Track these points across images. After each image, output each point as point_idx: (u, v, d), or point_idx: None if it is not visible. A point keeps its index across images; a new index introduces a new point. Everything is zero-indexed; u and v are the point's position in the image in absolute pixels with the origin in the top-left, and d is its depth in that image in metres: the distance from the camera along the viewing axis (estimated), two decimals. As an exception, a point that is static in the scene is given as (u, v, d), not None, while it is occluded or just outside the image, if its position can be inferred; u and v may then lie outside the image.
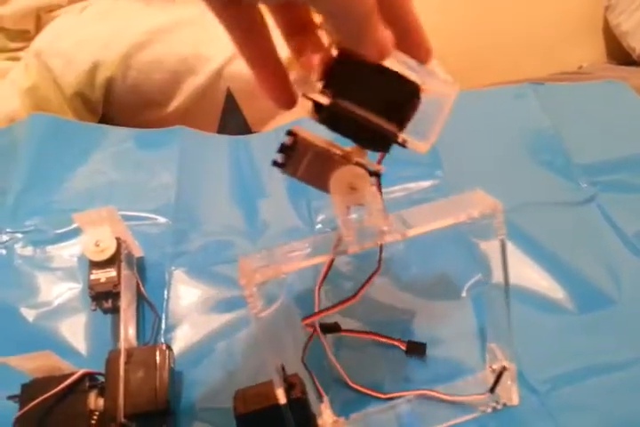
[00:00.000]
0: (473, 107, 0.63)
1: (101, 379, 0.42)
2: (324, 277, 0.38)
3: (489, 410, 0.41)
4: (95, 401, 0.41)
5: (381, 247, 0.36)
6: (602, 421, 0.39)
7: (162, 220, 0.56)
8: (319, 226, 0.55)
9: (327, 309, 0.38)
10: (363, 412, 0.41)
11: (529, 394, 0.41)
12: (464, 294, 0.48)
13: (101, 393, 0.41)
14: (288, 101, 0.32)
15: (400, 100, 0.29)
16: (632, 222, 0.52)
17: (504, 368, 0.39)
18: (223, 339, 0.48)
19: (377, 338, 0.45)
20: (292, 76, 0.30)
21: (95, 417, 0.40)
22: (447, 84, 0.29)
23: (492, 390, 0.40)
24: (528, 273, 0.49)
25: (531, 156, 0.59)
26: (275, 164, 0.32)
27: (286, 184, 0.59)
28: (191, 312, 0.50)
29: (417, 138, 0.30)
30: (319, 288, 0.40)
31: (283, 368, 0.36)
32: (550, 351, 0.42)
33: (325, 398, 0.41)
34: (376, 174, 0.31)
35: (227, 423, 0.41)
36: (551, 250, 0.51)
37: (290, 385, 0.36)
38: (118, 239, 0.47)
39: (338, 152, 0.32)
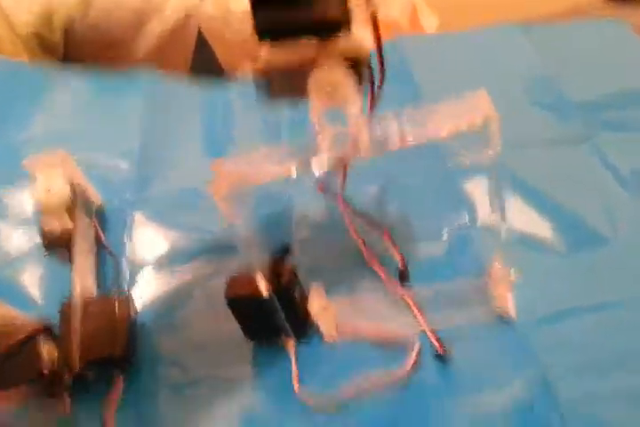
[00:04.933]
0: (461, 48, 0.61)
1: (56, 328, 0.41)
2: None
3: (480, 320, 0.40)
4: (49, 351, 0.39)
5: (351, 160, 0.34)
6: (586, 358, 0.38)
7: (124, 166, 0.54)
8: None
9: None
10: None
11: (513, 333, 0.40)
12: (444, 238, 0.46)
13: (56, 342, 0.40)
14: None
15: None
16: (628, 161, 0.50)
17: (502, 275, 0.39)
18: (186, 289, 0.46)
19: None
20: None
21: (49, 367, 0.38)
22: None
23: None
24: (519, 214, 0.47)
25: (523, 95, 0.57)
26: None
27: (259, 132, 0.57)
28: (154, 261, 0.48)
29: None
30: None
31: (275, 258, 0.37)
32: (539, 292, 0.41)
33: (317, 284, 0.41)
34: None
35: (189, 378, 0.41)
36: (544, 190, 0.48)
37: (279, 274, 0.37)
38: (72, 185, 0.44)
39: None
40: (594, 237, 0.46)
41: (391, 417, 0.37)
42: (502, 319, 0.41)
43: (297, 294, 0.40)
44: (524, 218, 0.47)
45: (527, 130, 0.53)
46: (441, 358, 0.39)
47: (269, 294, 0.37)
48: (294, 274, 0.39)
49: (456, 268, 0.44)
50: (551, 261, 0.44)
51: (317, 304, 0.41)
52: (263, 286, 0.36)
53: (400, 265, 0.44)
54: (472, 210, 0.48)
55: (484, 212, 0.47)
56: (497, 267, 0.40)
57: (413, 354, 0.38)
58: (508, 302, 0.40)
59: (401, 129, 0.30)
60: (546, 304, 0.41)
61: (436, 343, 0.39)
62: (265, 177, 0.30)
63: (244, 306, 0.39)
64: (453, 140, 0.31)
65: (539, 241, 0.46)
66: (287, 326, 0.40)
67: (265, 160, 0.30)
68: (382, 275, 0.44)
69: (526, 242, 0.46)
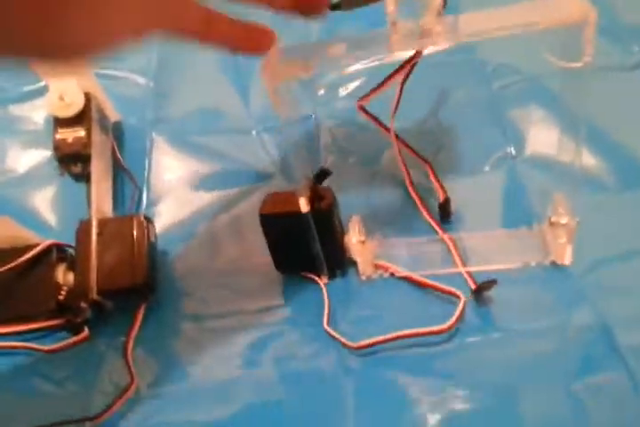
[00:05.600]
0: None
1: (72, 252, 0.37)
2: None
3: (533, 263, 0.37)
4: (64, 275, 0.36)
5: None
6: None
7: (141, 80, 0.49)
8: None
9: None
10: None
11: (563, 277, 0.37)
12: (487, 168, 0.42)
13: (71, 267, 0.36)
14: None
15: None
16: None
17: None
18: (207, 218, 0.42)
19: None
20: None
21: (64, 293, 0.35)
22: None
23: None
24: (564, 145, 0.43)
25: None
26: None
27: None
28: (175, 186, 0.44)
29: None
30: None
31: (314, 179, 0.34)
32: (589, 232, 0.37)
33: (356, 218, 0.38)
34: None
35: (212, 310, 0.38)
36: (592, 120, 0.44)
37: (319, 197, 0.34)
38: (87, 94, 0.40)
39: None
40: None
41: (430, 359, 0.35)
42: (556, 264, 0.37)
43: (336, 221, 0.36)
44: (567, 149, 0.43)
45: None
46: (477, 294, 0.36)
47: (308, 213, 0.33)
48: (334, 198, 0.35)
49: (502, 206, 0.40)
50: (601, 198, 0.40)
51: (356, 238, 0.37)
52: (303, 203, 0.33)
53: (441, 199, 0.40)
54: (519, 140, 0.43)
55: (533, 143, 0.43)
56: (560, 212, 0.35)
57: (457, 311, 0.35)
58: (566, 249, 0.36)
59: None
60: (601, 246, 0.38)
61: (471, 281, 0.36)
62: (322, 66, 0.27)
63: (280, 225, 0.35)
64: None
65: (587, 176, 0.41)
66: (322, 256, 0.37)
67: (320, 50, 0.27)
68: (425, 212, 0.40)
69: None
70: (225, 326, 0.37)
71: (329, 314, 0.36)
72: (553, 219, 0.36)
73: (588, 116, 0.43)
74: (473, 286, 0.36)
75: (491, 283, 0.35)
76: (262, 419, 0.33)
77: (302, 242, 0.35)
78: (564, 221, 0.35)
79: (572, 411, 0.32)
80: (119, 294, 0.36)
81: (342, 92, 0.47)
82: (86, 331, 0.36)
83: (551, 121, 0.44)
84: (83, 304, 0.35)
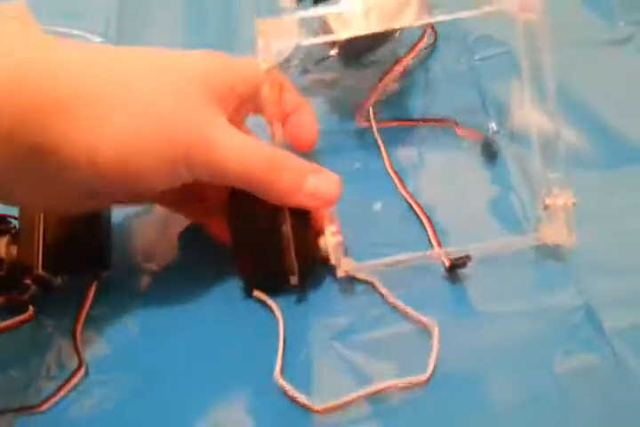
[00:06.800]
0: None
1: (16, 223, 0.34)
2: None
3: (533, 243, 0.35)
4: (7, 248, 0.32)
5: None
6: (629, 283, 0.34)
7: (97, 40, 0.45)
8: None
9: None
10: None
11: (547, 257, 0.35)
12: (466, 146, 0.40)
13: (15, 239, 0.33)
14: None
15: None
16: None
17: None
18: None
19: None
20: None
21: (5, 267, 0.32)
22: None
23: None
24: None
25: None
26: None
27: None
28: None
29: None
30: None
31: None
32: (579, 210, 0.35)
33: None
34: None
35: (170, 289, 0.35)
36: (581, 95, 0.42)
37: None
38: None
39: None
40: (635, 152, 0.39)
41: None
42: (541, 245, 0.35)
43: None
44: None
45: (563, 28, 0.45)
46: (451, 272, 0.34)
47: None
48: None
49: (484, 182, 0.38)
50: (588, 176, 0.38)
51: (329, 231, 0.32)
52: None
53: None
54: (499, 115, 0.41)
55: (514, 118, 0.41)
56: (554, 193, 0.33)
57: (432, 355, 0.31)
58: (564, 229, 0.34)
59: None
60: (588, 226, 0.36)
61: (446, 260, 0.34)
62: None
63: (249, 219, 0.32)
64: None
65: (573, 153, 0.39)
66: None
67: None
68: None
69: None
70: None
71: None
72: (548, 201, 0.34)
73: (573, 92, 0.42)
74: (447, 264, 0.34)
75: (465, 259, 0.33)
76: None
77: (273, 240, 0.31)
78: (560, 202, 0.33)
79: (556, 395, 0.30)
80: (68, 269, 0.33)
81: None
82: (31, 310, 0.33)
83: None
84: (27, 280, 0.32)
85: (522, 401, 0.30)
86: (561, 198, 0.33)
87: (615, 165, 0.39)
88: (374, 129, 0.40)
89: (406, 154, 0.40)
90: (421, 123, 0.41)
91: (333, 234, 0.32)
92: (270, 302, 0.33)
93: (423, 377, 0.30)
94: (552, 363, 0.31)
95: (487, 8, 0.33)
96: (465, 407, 0.30)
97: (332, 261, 0.32)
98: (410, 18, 0.34)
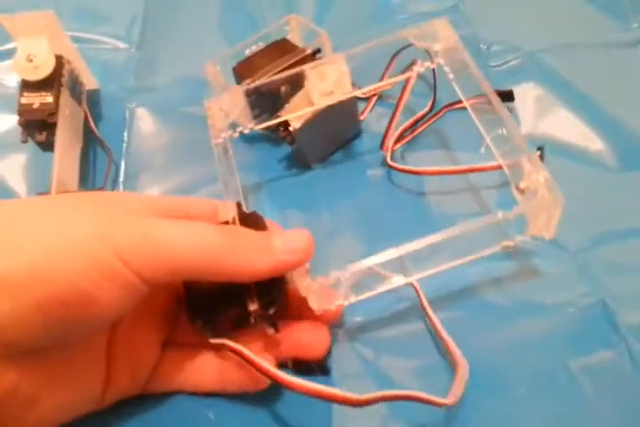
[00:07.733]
0: None
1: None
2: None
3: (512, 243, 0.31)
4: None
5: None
6: None
7: (122, 45, 0.46)
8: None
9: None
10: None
11: (561, 253, 0.35)
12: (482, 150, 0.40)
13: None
14: None
15: None
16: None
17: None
18: (189, 194, 0.40)
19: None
20: None
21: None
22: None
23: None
24: (562, 122, 0.41)
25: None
26: None
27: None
28: (156, 160, 0.42)
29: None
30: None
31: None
32: (587, 209, 0.35)
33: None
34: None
35: None
36: (591, 98, 0.42)
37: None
38: (60, 57, 0.37)
39: None
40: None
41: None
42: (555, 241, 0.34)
43: None
44: (570, 128, 0.41)
45: (572, 28, 0.46)
46: None
47: None
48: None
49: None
50: (601, 176, 0.38)
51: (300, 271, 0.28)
52: None
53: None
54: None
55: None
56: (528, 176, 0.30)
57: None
58: (553, 223, 0.31)
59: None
60: (603, 224, 0.36)
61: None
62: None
63: None
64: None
65: (586, 154, 0.39)
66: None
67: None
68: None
69: (572, 154, 0.39)
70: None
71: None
72: (522, 185, 0.30)
73: (587, 94, 0.42)
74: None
75: None
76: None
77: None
78: (541, 178, 0.29)
79: (571, 391, 0.30)
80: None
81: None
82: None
83: (550, 99, 0.42)
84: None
85: (537, 396, 0.30)
86: (536, 175, 0.30)
87: (629, 165, 0.38)
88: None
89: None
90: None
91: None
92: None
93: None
94: (568, 360, 0.31)
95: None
96: (479, 401, 0.30)
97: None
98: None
